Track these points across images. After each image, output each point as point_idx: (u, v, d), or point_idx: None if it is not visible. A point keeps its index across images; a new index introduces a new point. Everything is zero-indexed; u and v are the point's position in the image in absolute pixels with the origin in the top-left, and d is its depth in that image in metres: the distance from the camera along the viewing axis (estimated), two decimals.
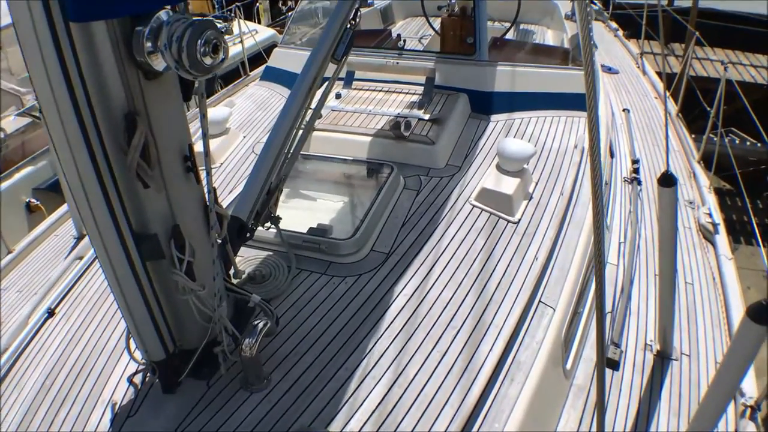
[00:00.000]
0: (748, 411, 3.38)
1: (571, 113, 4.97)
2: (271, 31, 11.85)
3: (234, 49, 9.64)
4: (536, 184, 4.04)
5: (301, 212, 3.98)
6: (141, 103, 1.98)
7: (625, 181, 5.30)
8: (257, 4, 12.98)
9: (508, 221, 3.67)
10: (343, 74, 5.14)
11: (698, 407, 2.63)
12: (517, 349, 2.92)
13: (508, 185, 3.76)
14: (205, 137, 2.33)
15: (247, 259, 3.47)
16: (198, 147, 2.33)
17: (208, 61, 1.87)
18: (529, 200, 3.87)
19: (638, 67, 8.62)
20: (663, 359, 3.68)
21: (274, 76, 6.04)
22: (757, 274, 9.51)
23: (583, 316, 3.63)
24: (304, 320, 3.07)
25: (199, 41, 1.81)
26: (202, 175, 2.37)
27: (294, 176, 4.24)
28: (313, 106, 3.56)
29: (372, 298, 3.17)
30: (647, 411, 3.35)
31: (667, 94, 7.69)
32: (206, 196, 2.44)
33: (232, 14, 10.08)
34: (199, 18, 1.91)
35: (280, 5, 13.26)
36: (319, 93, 3.67)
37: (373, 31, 6.66)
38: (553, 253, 3.50)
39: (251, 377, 2.72)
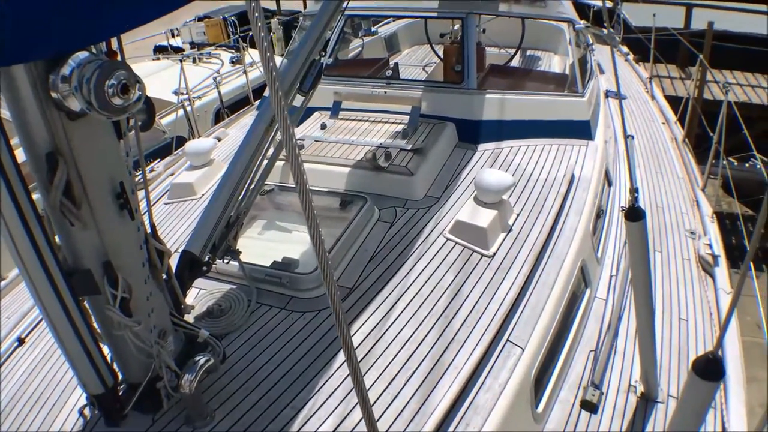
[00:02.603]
0: None
1: (563, 141, 4.84)
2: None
3: (242, 80, 9.73)
4: (517, 215, 3.91)
5: (273, 244, 3.90)
6: (64, 143, 1.98)
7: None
8: (270, 33, 13.09)
9: (482, 255, 3.54)
10: (328, 103, 5.09)
11: None
12: (477, 392, 2.77)
13: (484, 217, 3.63)
14: (144, 173, 2.32)
15: (210, 292, 3.42)
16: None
17: (117, 101, 1.87)
18: (508, 233, 3.74)
19: (647, 91, 8.43)
20: (647, 402, 3.46)
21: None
22: None
23: (562, 355, 3.46)
24: (256, 356, 2.99)
25: (107, 82, 1.82)
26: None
27: (269, 208, 4.19)
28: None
29: (328, 335, 3.06)
30: None
31: (674, 119, 7.51)
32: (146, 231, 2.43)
33: (245, 45, 10.18)
34: (109, 60, 1.92)
35: (293, 34, 13.36)
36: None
37: (370, 60, 6.62)
38: (527, 289, 3.36)
39: (193, 414, 2.67)
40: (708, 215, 5.43)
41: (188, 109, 8.05)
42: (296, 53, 3.38)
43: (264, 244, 3.98)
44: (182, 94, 8.00)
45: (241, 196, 3.19)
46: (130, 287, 2.36)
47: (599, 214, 4.67)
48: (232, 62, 10.71)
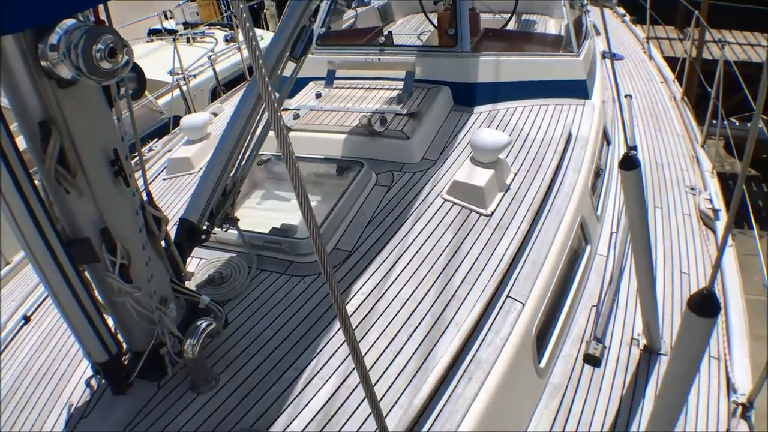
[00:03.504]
0: (740, 409, 3.17)
1: (560, 101, 4.81)
2: None
3: (237, 57, 9.68)
4: (515, 175, 3.90)
5: (271, 213, 3.91)
6: (56, 112, 2.00)
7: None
8: (264, 9, 12.99)
9: (481, 214, 3.54)
10: (323, 74, 5.07)
11: (653, 408, 2.45)
12: (478, 347, 2.78)
13: (481, 177, 3.63)
14: (137, 140, 2.33)
15: (211, 261, 3.43)
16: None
17: (106, 65, 1.89)
18: (506, 192, 3.73)
19: (644, 52, 8.36)
20: (650, 354, 3.48)
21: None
22: None
23: (564, 311, 3.47)
24: (258, 321, 3.01)
25: (94, 47, 1.84)
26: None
27: (267, 178, 4.19)
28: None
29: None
30: (629, 409, 3.16)
31: (672, 77, 7.45)
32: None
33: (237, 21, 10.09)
34: (96, 25, 1.95)
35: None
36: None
37: (364, 29, 6.56)
38: (527, 246, 3.36)
39: (198, 378, 2.70)
40: (708, 171, 5.41)
41: (184, 88, 8.02)
42: (285, 20, 3.36)
43: (263, 213, 3.99)
44: (177, 74, 7.95)
45: (236, 165, 3.20)
46: (129, 254, 2.39)
47: (598, 173, 4.66)
48: (226, 40, 10.64)
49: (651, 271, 3.17)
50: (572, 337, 3.46)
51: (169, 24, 12.92)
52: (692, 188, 5.18)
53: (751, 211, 5.14)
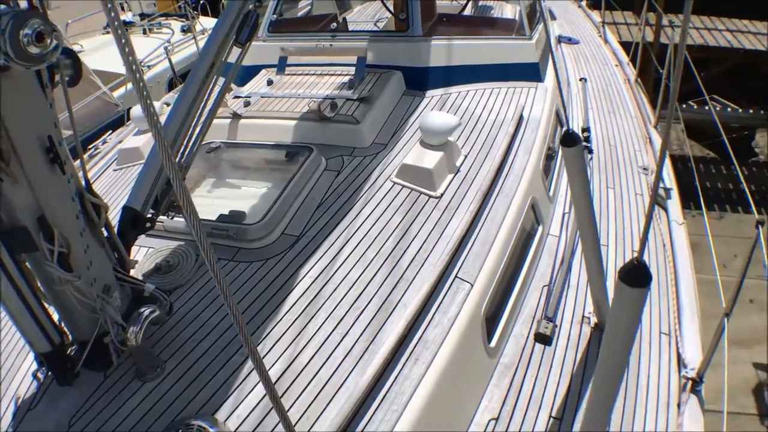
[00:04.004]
0: (690, 384, 3.24)
1: (512, 84, 4.84)
2: None
3: (194, 47, 9.56)
4: (465, 157, 3.91)
5: (222, 201, 3.87)
6: None
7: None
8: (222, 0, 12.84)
9: (430, 196, 3.54)
10: (276, 61, 5.03)
11: (592, 383, 2.48)
12: (426, 328, 2.79)
13: (430, 159, 3.63)
14: (74, 126, 2.29)
15: (159, 249, 3.39)
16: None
17: (34, 50, 1.85)
18: (456, 174, 3.74)
19: (600, 36, 8.45)
20: (601, 332, 3.53)
21: (223, 70, 5.92)
22: (744, 242, 9.34)
23: (515, 291, 3.50)
24: (205, 307, 2.99)
25: (22, 31, 1.81)
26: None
27: (218, 166, 4.14)
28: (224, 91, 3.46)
29: (276, 282, 3.06)
30: (579, 385, 3.20)
31: (627, 61, 7.54)
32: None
33: (195, 12, 9.97)
34: (23, 9, 1.89)
35: None
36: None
37: (319, 16, 6.52)
38: (476, 227, 3.37)
39: (143, 366, 2.67)
40: (660, 151, 5.50)
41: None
42: (229, 4, 3.32)
43: (214, 201, 3.95)
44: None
45: (180, 151, 3.15)
46: (68, 242, 2.34)
47: (552, 155, 4.69)
48: (183, 30, 10.49)
49: (597, 248, 3.21)
50: (523, 316, 3.49)
51: (126, 16, 12.72)
52: (645, 168, 5.26)
53: (699, 191, 5.19)
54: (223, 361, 2.68)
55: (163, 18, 11.28)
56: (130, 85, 8.02)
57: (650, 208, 1.94)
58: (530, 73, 4.92)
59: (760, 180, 11.12)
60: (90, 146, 6.29)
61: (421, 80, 4.79)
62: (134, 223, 2.96)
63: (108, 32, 11.35)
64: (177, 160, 3.16)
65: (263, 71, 5.12)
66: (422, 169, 3.59)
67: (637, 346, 3.47)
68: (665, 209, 4.76)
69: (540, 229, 3.96)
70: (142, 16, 11.65)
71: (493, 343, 3.16)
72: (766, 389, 7.67)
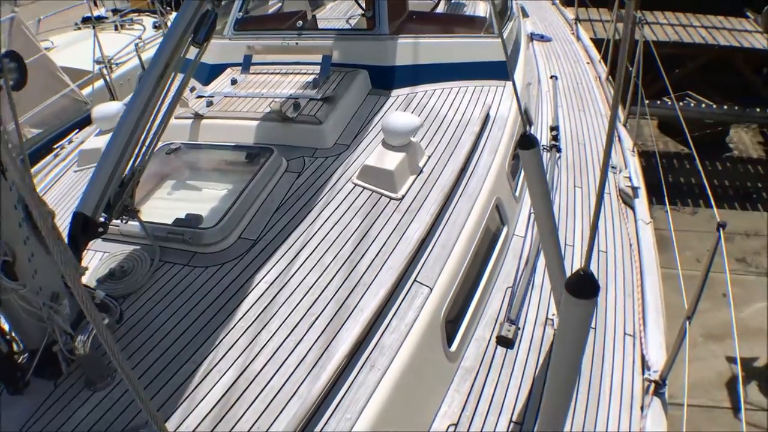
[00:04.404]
0: (653, 386, 3.21)
1: (480, 83, 4.81)
2: None
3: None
4: (429, 157, 3.87)
5: (181, 203, 3.81)
6: None
7: (544, 149, 5.14)
8: None
9: (391, 198, 3.51)
10: (241, 59, 4.96)
11: (543, 394, 2.45)
12: (382, 334, 2.76)
13: (392, 161, 3.59)
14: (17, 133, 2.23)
15: (113, 254, 3.32)
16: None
17: None
18: (418, 175, 3.71)
19: (573, 33, 8.45)
20: None
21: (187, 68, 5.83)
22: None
23: (477, 293, 3.47)
24: (158, 314, 2.94)
25: None
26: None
27: (178, 167, 4.08)
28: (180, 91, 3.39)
29: (230, 287, 3.02)
30: (541, 389, 3.18)
31: (598, 58, 7.54)
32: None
33: (167, 8, 9.84)
34: None
35: None
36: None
37: (289, 14, 6.45)
38: (437, 229, 3.34)
39: (92, 375, 2.62)
40: (629, 149, 5.50)
41: (107, 78, 7.77)
42: (185, 4, 3.25)
43: (173, 204, 3.88)
44: (100, 63, 7.69)
45: (134, 154, 3.08)
46: (12, 251, 2.29)
47: (517, 155, 4.68)
48: (155, 27, 10.35)
49: (558, 251, 3.17)
50: (486, 319, 3.47)
51: (99, 11, 12.53)
52: (613, 167, 5.26)
53: (664, 187, 5.18)
54: (174, 369, 2.64)
55: (135, 14, 11.12)
56: (98, 83, 7.91)
57: (595, 217, 1.91)
58: (498, 71, 4.89)
59: (733, 175, 11.20)
60: (56, 146, 6.19)
61: (387, 79, 4.75)
62: (85, 228, 2.89)
63: (80, 28, 11.20)
64: (132, 162, 3.10)
65: (228, 70, 5.05)
66: (383, 171, 3.55)
67: (600, 348, 3.45)
68: (632, 208, 4.76)
69: (505, 229, 3.94)
70: (115, 11, 11.48)
71: (453, 347, 3.13)
72: (739, 383, 7.73)
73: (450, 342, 3.11)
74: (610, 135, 1.72)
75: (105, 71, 7.73)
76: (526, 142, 2.79)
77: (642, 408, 3.16)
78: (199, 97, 4.60)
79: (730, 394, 7.50)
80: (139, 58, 8.63)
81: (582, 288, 1.92)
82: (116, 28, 10.64)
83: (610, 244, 4.33)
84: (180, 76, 3.29)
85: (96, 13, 11.87)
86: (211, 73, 5.12)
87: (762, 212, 10.13)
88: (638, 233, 4.49)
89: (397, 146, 3.69)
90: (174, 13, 9.84)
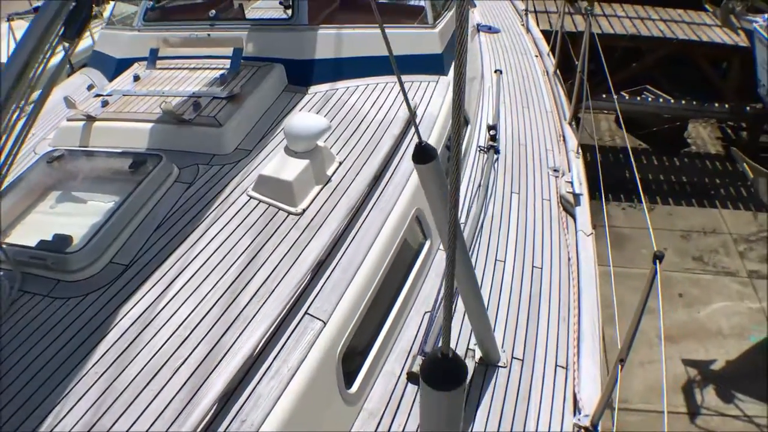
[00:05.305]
0: None
1: (411, 77, 4.39)
2: None
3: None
4: (340, 164, 3.45)
5: (64, 218, 3.32)
6: None
7: (481, 150, 4.74)
8: None
9: (289, 213, 3.07)
10: (145, 53, 4.47)
11: None
12: (260, 380, 2.33)
13: (292, 170, 3.15)
14: None
15: None
16: None
17: None
18: (324, 185, 3.27)
19: (523, 25, 8.06)
20: (487, 367, 3.08)
21: (99, 62, 5.31)
22: (674, 235, 9.17)
23: (388, 321, 3.05)
24: (11, 351, 2.50)
25: None
26: None
27: (63, 176, 3.60)
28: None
29: (90, 324, 2.56)
30: None
31: (548, 50, 7.18)
32: None
33: None
34: None
35: None
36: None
37: (208, 2, 5.95)
38: (340, 249, 2.92)
39: None
40: (573, 150, 5.11)
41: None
42: None
43: (54, 219, 3.39)
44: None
45: None
46: None
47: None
48: (95, 17, 9.73)
49: (472, 278, 2.73)
50: (398, 351, 3.05)
51: (39, 2, 11.85)
52: (555, 170, 4.87)
53: (601, 182, 4.72)
54: (24, 415, 2.23)
55: None
56: None
57: (449, 272, 1.50)
58: (433, 65, 4.48)
59: (692, 171, 10.99)
60: None
61: (304, 74, 4.30)
62: None
63: (12, 19, 10.53)
64: None
65: (135, 65, 4.56)
66: (281, 182, 3.10)
67: (527, 383, 3.04)
68: (573, 217, 4.36)
69: (428, 244, 3.53)
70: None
71: (354, 388, 2.71)
72: (696, 386, 7.51)
73: (350, 382, 2.69)
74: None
75: None
76: (420, 154, 2.23)
77: None
78: (98, 95, 4.11)
79: (686, 399, 7.25)
80: (65, 51, 8.02)
81: (440, 377, 1.51)
82: None
83: (546, 258, 3.91)
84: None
85: (35, 4, 11.21)
86: (118, 68, 4.64)
87: (720, 209, 9.92)
88: (578, 246, 4.07)
89: (300, 152, 3.25)
90: (112, 2, 9.22)
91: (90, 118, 3.83)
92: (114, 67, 4.68)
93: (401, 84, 1.99)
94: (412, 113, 2.43)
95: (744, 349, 7.74)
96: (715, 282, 8.67)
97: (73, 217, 3.36)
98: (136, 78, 4.27)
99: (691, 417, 7.02)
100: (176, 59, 4.47)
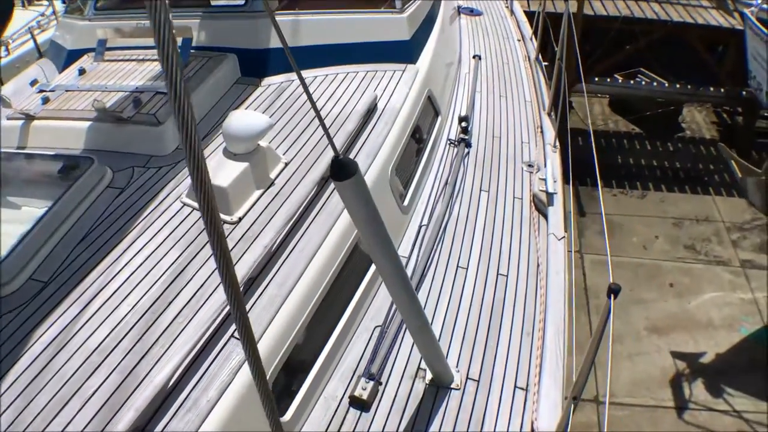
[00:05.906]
0: None
1: (375, 66, 4.13)
2: None
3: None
4: (286, 165, 3.21)
5: None
6: None
7: (451, 143, 4.49)
8: None
9: (224, 222, 2.84)
10: (93, 44, 4.22)
11: None
12: (175, 412, 2.12)
13: (227, 174, 2.91)
14: None
15: None
16: None
17: None
18: (266, 190, 3.04)
19: (507, 7, 7.73)
20: (438, 390, 2.85)
21: (53, 53, 5.06)
22: (666, 222, 8.94)
23: (332, 338, 2.84)
24: None
25: None
26: None
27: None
28: None
29: (2, 349, 2.33)
30: None
31: (531, 34, 6.87)
32: None
33: None
34: None
35: None
36: None
37: None
38: (277, 261, 2.69)
39: None
40: (550, 143, 4.81)
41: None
42: None
43: None
44: None
45: None
46: None
47: (420, 150, 4.03)
48: (64, 2, 9.44)
49: (412, 294, 2.48)
50: (343, 370, 2.82)
51: None
52: (530, 165, 4.60)
53: (597, 169, 4.45)
54: None
55: None
56: None
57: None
58: (398, 53, 4.22)
59: (685, 157, 10.73)
60: None
61: (258, 65, 4.04)
62: None
63: None
64: None
65: (84, 57, 4.30)
66: (215, 188, 2.86)
67: (482, 406, 2.81)
68: (546, 217, 4.10)
69: None
70: None
71: (287, 416, 2.49)
72: (684, 380, 7.34)
73: (283, 410, 2.48)
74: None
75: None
76: (339, 170, 1.91)
77: None
78: (41, 91, 3.87)
79: (674, 393, 7.07)
80: (34, 41, 7.77)
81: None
82: (23, 5, 9.72)
83: (513, 265, 3.63)
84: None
85: None
86: (68, 60, 4.38)
87: (713, 196, 9.68)
88: (548, 251, 3.76)
89: (239, 154, 3.01)
90: None
91: (29, 117, 3.60)
92: (65, 60, 4.44)
93: (301, 78, 1.75)
94: (318, 113, 2.06)
95: (734, 341, 7.55)
96: (706, 271, 8.47)
97: (7, 225, 3.13)
98: (81, 71, 4.02)
99: (679, 412, 6.84)
100: (125, 50, 4.22)
